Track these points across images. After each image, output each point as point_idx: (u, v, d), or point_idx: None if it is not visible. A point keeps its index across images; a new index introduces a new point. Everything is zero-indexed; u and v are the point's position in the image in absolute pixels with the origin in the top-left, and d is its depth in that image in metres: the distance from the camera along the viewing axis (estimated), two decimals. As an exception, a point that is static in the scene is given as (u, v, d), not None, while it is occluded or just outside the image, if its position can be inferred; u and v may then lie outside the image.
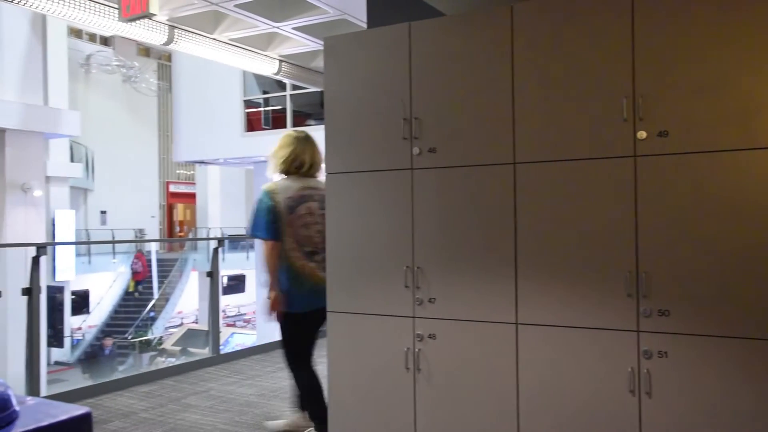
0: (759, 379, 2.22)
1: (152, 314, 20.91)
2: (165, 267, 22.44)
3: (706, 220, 2.29)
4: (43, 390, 6.02)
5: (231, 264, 20.01)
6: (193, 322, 21.14)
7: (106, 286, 21.22)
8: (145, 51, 27.09)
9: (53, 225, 17.04)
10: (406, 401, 2.80)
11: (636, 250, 2.39)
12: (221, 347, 6.18)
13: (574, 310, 2.49)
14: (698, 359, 2.30)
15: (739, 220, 2.25)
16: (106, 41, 25.59)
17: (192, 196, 27.16)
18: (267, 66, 8.15)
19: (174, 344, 17.48)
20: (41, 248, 4.71)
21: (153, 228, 27.16)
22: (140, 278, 21.75)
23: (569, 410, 2.49)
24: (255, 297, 15.02)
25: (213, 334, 6.10)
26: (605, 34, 2.45)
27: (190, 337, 17.15)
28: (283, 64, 8.25)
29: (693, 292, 2.31)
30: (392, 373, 2.83)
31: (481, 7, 2.73)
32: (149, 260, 22.13)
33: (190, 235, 27.41)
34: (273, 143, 3.62)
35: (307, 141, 3.58)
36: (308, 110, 14.23)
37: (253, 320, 19.71)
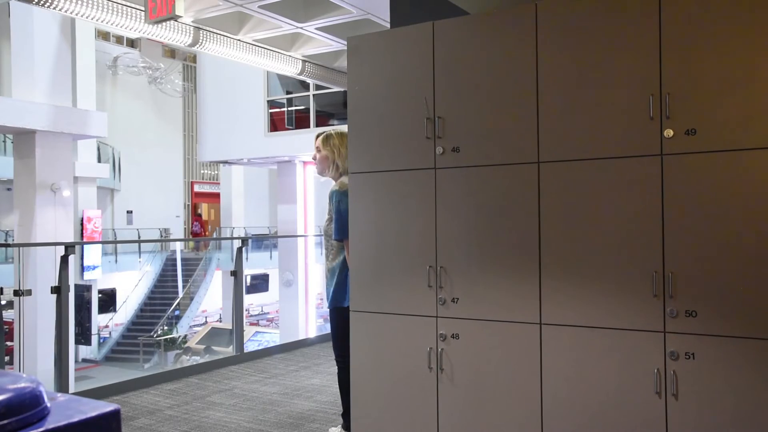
0: (789, 381, 2.18)
1: (177, 312, 21.16)
2: (190, 266, 22.71)
3: (735, 219, 2.25)
4: (72, 386, 6.12)
5: (254, 263, 20.16)
6: (216, 321, 21.33)
7: (132, 284, 21.55)
8: (171, 53, 27.41)
9: (81, 225, 17.34)
10: (429, 401, 2.80)
11: (662, 249, 2.35)
12: (245, 345, 6.23)
13: (598, 310, 2.47)
14: (726, 361, 2.26)
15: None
16: (132, 43, 25.96)
17: (216, 195, 27.43)
18: (290, 66, 8.19)
19: (198, 342, 17.64)
20: (69, 247, 4.79)
21: (178, 227, 27.48)
22: (198, 237, 28.06)
23: (594, 412, 2.47)
24: (278, 296, 15.08)
25: (237, 332, 6.16)
26: (631, 30, 2.42)
27: (214, 335, 17.29)
28: (306, 64, 8.29)
29: (721, 292, 2.27)
30: (415, 372, 2.83)
31: (504, 5, 2.72)
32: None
33: (215, 235, 27.71)
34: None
35: None
36: (331, 110, 14.27)
37: (276, 319, 19.82)
